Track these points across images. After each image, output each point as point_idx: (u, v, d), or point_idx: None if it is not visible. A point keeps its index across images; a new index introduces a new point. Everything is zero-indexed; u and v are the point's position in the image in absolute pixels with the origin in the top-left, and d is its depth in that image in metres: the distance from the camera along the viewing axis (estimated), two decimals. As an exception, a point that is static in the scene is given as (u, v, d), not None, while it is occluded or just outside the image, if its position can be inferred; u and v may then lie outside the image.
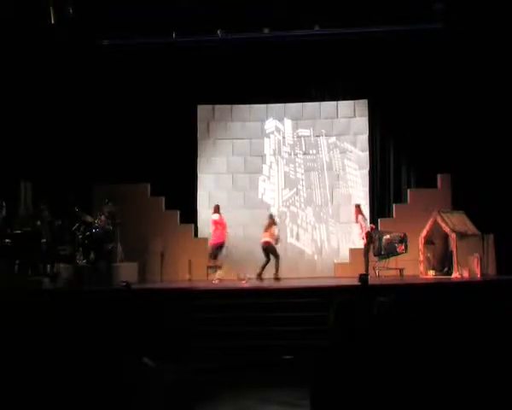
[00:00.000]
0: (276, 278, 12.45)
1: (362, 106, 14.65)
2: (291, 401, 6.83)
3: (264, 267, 12.52)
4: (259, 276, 12.36)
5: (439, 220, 12.21)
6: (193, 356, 8.80)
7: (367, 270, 12.23)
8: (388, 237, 12.57)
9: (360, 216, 12.92)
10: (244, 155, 14.86)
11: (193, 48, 14.01)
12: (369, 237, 12.70)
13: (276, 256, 12.67)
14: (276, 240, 12.84)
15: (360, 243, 14.06)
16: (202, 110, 14.89)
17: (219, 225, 12.89)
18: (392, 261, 12.80)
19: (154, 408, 3.48)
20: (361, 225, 12.88)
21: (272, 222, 12.99)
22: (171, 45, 13.90)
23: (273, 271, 12.64)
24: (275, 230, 12.88)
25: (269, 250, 12.62)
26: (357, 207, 13.21)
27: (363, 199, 14.47)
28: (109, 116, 14.02)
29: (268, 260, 12.62)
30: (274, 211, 14.16)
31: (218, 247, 12.80)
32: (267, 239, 12.66)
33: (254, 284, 11.87)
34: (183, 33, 13.58)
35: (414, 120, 13.96)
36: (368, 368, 3.07)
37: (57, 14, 11.60)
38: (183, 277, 13.49)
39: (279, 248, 12.96)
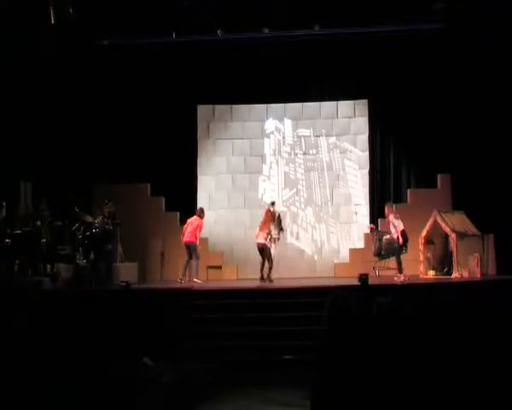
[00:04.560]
0: (270, 280, 12.03)
1: (362, 106, 14.66)
2: (291, 401, 6.83)
3: (262, 269, 12.26)
4: (262, 278, 12.11)
5: (439, 220, 12.21)
6: (193, 356, 8.80)
7: (400, 271, 11.93)
8: (388, 237, 12.54)
9: (391, 215, 12.31)
10: (244, 155, 14.86)
11: (193, 48, 14.02)
12: (404, 237, 12.08)
13: (270, 261, 12.19)
14: (273, 238, 12.37)
15: (360, 244, 14.09)
16: (202, 110, 14.89)
17: (190, 225, 12.71)
18: (392, 261, 12.78)
19: (154, 408, 3.48)
20: (393, 225, 12.22)
21: (270, 217, 12.42)
22: (171, 45, 13.90)
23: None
24: (271, 226, 12.29)
25: (264, 252, 12.19)
26: (389, 205, 12.68)
27: (363, 199, 14.49)
28: (109, 116, 14.02)
29: (264, 262, 12.28)
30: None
31: (186, 246, 12.64)
32: (262, 241, 12.17)
33: (254, 284, 11.86)
34: (183, 33, 13.59)
35: (414, 120, 13.96)
36: (367, 368, 3.07)
37: (57, 14, 11.59)
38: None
39: (276, 247, 12.68)
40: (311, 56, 14.22)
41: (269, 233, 12.27)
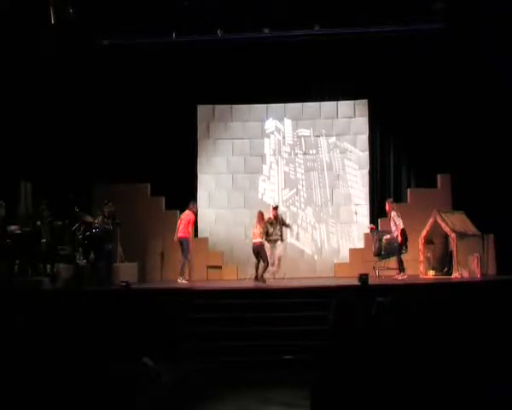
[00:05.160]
0: (263, 280, 11.78)
1: (362, 106, 14.66)
2: (291, 401, 6.83)
3: (258, 269, 12.10)
4: (257, 278, 11.96)
5: (439, 220, 12.21)
6: (193, 356, 8.81)
7: (402, 270, 12.02)
8: (388, 237, 12.55)
9: (393, 213, 12.26)
10: (244, 155, 14.87)
11: (193, 48, 14.02)
12: (404, 236, 12.12)
13: (265, 261, 11.90)
14: (274, 239, 12.37)
15: (360, 244, 14.09)
16: (202, 110, 14.89)
17: (183, 220, 12.62)
18: (392, 261, 12.78)
19: (155, 408, 3.48)
20: (395, 222, 12.19)
21: (261, 217, 12.26)
22: (171, 45, 13.90)
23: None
24: (261, 226, 12.10)
25: (258, 252, 11.97)
26: (390, 202, 12.59)
27: (363, 199, 14.49)
28: (109, 116, 14.02)
29: (259, 262, 12.08)
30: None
31: (179, 243, 12.55)
32: (258, 240, 12.02)
33: (254, 284, 11.85)
34: (183, 33, 13.58)
35: (414, 120, 13.96)
36: (367, 368, 3.07)
37: (57, 14, 11.59)
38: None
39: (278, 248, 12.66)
40: (311, 56, 14.22)
41: (265, 234, 12.24)
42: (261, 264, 12.08)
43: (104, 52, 13.81)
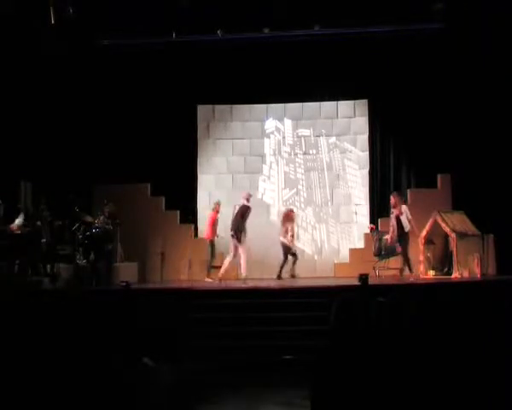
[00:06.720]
0: (278, 277, 12.64)
1: (362, 106, 14.65)
2: (291, 401, 6.83)
3: (282, 267, 12.79)
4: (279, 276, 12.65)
5: (439, 220, 12.20)
6: (193, 356, 8.80)
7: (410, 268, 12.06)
8: (388, 237, 12.55)
9: (404, 205, 12.11)
10: (244, 155, 14.86)
11: (193, 48, 14.01)
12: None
13: (285, 257, 12.88)
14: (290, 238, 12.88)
15: (360, 244, 14.08)
16: (202, 110, 14.89)
17: (207, 221, 13.19)
18: (392, 261, 12.78)
19: (155, 408, 3.48)
20: (407, 216, 11.90)
21: (286, 219, 13.03)
22: (171, 45, 13.90)
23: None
24: (288, 227, 12.88)
25: (283, 250, 12.88)
26: (395, 195, 12.40)
27: (363, 199, 14.48)
28: (109, 116, 14.02)
29: (285, 260, 12.89)
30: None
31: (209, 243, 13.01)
32: (281, 239, 12.86)
33: (255, 284, 11.86)
34: (183, 33, 13.59)
35: (414, 120, 13.96)
36: (368, 368, 3.07)
37: (57, 14, 11.59)
38: (183, 277, 13.51)
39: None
40: (311, 56, 14.21)
41: (286, 232, 12.80)
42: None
43: (104, 52, 13.81)
